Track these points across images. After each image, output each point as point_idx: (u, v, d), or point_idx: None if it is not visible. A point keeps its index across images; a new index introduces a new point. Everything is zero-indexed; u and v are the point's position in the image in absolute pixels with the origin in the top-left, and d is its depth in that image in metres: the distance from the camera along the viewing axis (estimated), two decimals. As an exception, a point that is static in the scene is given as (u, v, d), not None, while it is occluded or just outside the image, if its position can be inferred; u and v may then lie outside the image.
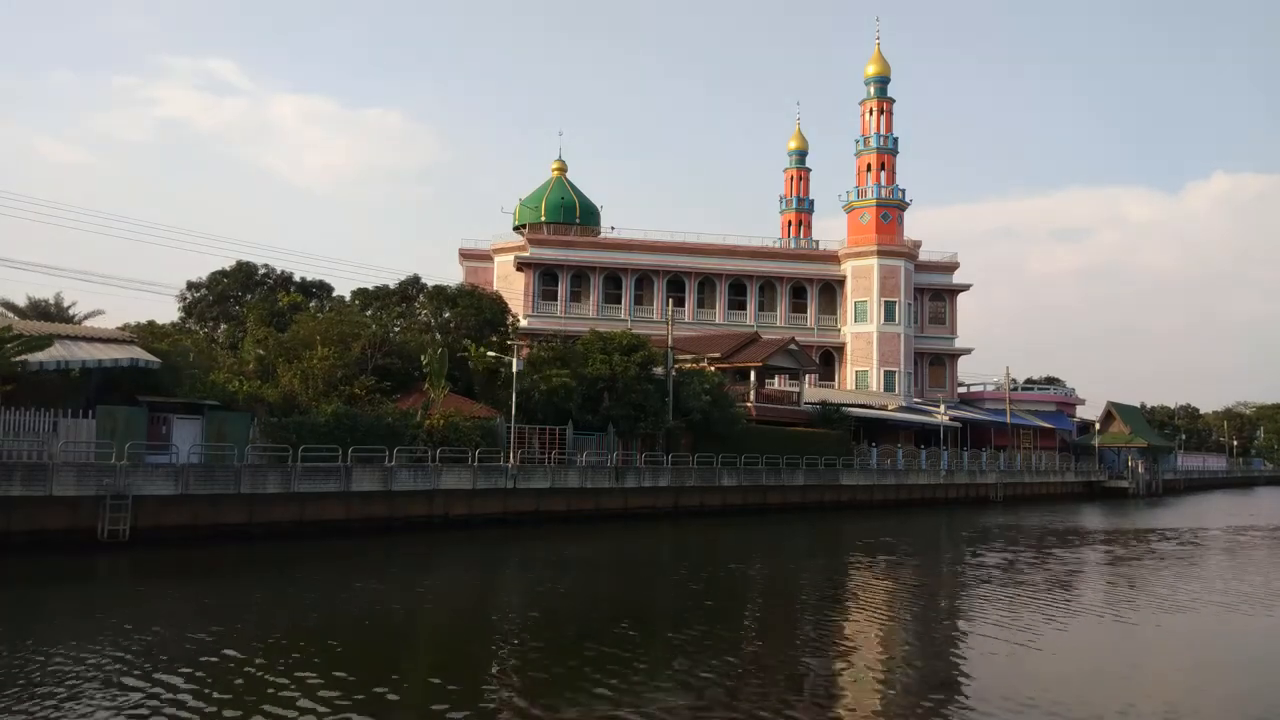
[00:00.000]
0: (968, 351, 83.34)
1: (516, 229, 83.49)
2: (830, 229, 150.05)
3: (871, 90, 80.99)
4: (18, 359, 27.14)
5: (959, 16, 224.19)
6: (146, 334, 40.37)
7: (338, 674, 13.46)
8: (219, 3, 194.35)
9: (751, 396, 56.19)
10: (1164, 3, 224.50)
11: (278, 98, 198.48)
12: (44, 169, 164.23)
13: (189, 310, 53.38)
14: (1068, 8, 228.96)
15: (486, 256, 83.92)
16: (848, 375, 77.26)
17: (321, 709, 11.61)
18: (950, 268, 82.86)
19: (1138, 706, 12.90)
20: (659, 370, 45.92)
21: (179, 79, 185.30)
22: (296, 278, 56.09)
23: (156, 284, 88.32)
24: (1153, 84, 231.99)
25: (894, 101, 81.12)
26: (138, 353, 31.62)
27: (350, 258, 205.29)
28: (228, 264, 54.89)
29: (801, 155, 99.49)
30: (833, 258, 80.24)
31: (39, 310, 42.31)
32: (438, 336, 47.94)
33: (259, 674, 13.42)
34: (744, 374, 57.72)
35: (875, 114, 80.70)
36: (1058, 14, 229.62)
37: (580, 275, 76.32)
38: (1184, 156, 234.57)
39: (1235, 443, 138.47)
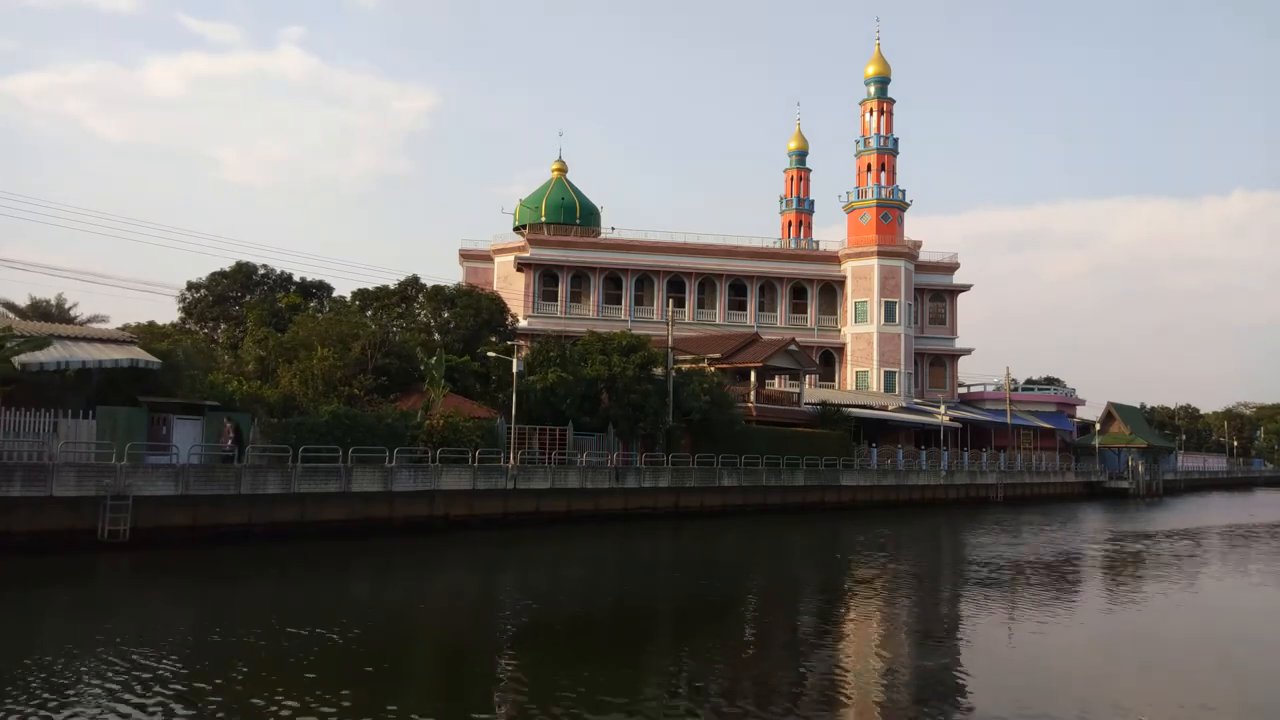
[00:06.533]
0: (968, 352, 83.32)
1: (517, 229, 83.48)
2: (831, 231, 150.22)
3: (871, 90, 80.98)
4: (18, 359, 27.12)
5: (973, 20, 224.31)
6: (146, 334, 40.33)
7: (337, 675, 13.46)
8: None
9: (752, 397, 56.18)
10: (1180, 6, 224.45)
11: (275, 98, 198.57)
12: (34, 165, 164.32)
13: (189, 311, 53.35)
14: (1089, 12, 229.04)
15: (487, 257, 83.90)
16: (848, 376, 77.24)
17: (320, 710, 11.60)
18: (950, 268, 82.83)
19: (1139, 706, 12.89)
20: (659, 371, 45.92)
21: (174, 69, 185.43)
22: (296, 278, 56.10)
23: (156, 284, 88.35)
24: (1162, 94, 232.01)
25: (894, 102, 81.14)
26: (138, 353, 31.60)
27: (349, 258, 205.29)
28: (227, 264, 54.95)
29: (801, 156, 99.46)
30: (833, 258, 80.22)
31: (39, 311, 42.20)
32: (437, 337, 47.96)
33: (258, 674, 13.41)
34: (744, 374, 57.70)
35: (875, 114, 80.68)
36: (1075, 16, 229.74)
37: (580, 276, 76.31)
38: (1195, 168, 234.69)
39: (1235, 443, 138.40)
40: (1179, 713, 12.80)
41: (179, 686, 12.52)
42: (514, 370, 39.08)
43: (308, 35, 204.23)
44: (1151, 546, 36.64)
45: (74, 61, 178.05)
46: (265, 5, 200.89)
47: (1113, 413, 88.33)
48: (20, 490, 24.15)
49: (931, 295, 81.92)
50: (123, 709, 11.43)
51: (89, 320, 42.49)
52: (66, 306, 43.54)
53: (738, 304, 78.38)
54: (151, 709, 11.46)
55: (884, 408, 68.12)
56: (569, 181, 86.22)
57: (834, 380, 77.57)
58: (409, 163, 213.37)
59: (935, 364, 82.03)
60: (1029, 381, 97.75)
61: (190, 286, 53.74)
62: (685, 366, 50.07)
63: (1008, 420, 74.77)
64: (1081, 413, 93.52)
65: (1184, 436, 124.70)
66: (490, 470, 35.16)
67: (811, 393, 67.00)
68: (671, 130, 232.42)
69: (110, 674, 13.07)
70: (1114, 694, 13.56)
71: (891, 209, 79.08)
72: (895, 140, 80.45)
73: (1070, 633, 18.55)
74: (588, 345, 45.58)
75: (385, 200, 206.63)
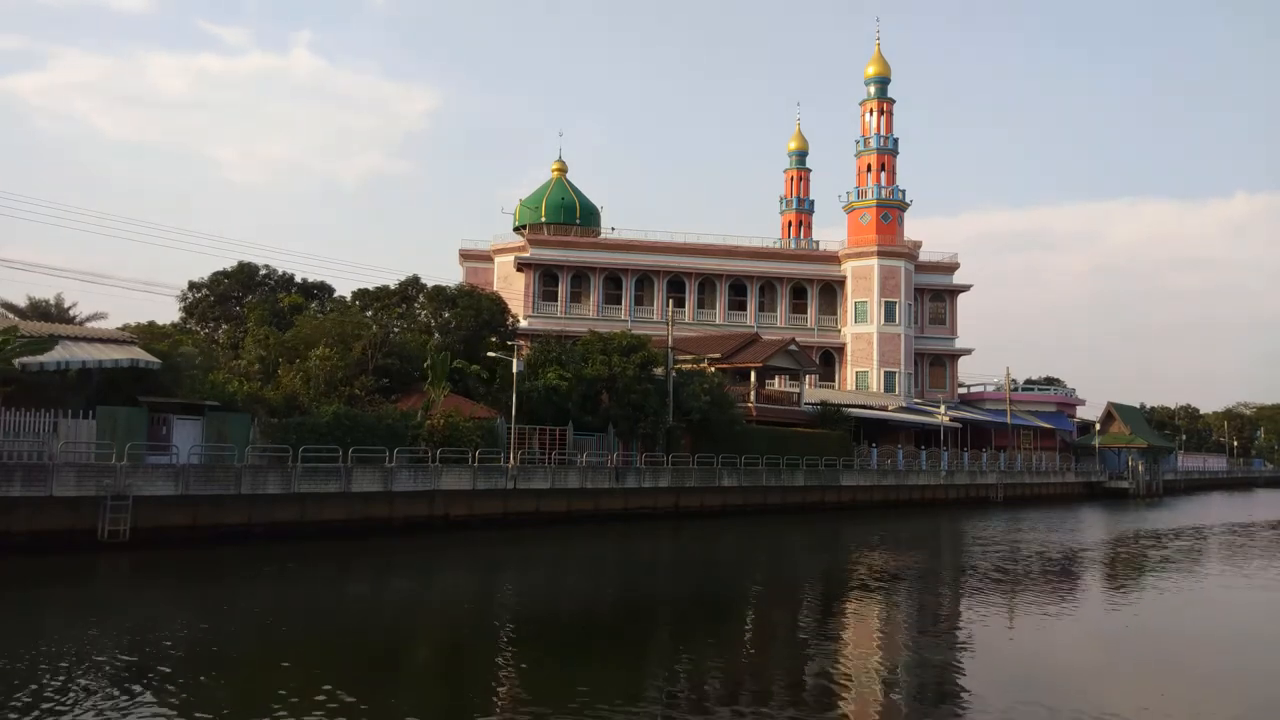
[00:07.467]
0: (968, 352, 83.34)
1: (517, 229, 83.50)
2: (831, 231, 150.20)
3: (871, 90, 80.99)
4: (18, 360, 27.11)
5: (973, 20, 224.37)
6: (146, 334, 40.29)
7: (337, 675, 13.47)
8: None
9: (752, 397, 56.19)
10: (1180, 6, 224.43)
11: (278, 99, 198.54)
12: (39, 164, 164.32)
13: (190, 311, 53.38)
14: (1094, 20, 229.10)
15: (487, 257, 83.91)
16: (848, 376, 77.25)
17: (320, 710, 11.61)
18: (950, 268, 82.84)
19: (1139, 705, 12.90)
20: (659, 371, 45.94)
21: (180, 70, 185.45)
22: (297, 278, 56.13)
23: (157, 284, 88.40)
24: (1162, 94, 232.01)
25: (894, 102, 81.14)
26: (138, 353, 31.59)
27: (350, 258, 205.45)
28: (228, 264, 55.00)
29: (802, 156, 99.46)
30: (833, 258, 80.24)
31: (39, 311, 42.16)
32: (437, 337, 47.95)
33: (258, 675, 13.43)
34: (744, 374, 57.71)
35: (875, 114, 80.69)
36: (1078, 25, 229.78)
37: (580, 276, 76.33)
38: (1196, 170, 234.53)
39: (1235, 443, 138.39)
40: (1179, 711, 12.81)
41: (179, 686, 12.53)
42: (514, 370, 39.10)
43: (315, 36, 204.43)
44: (1152, 546, 36.65)
45: (81, 60, 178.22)
46: (276, 7, 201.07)
47: (1113, 413, 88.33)
48: (20, 490, 24.16)
49: (931, 295, 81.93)
50: (123, 709, 11.43)
51: (89, 320, 42.48)
52: (66, 306, 43.54)
53: (738, 304, 78.38)
54: (151, 709, 11.47)
55: (884, 408, 68.13)
56: (569, 181, 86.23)
57: (834, 380, 77.57)
58: (410, 163, 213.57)
59: (935, 364, 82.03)
60: (1029, 381, 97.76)
61: (192, 286, 53.79)
62: (685, 366, 50.10)
63: (1008, 420, 74.78)
64: (1081, 413, 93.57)
65: (1184, 436, 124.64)
66: (490, 470, 35.17)
67: (811, 393, 67.02)
68: (672, 130, 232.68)
69: (110, 674, 13.08)
70: (1114, 692, 13.56)
71: (891, 209, 79.08)
72: (895, 140, 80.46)
73: (1071, 631, 18.56)
74: (588, 345, 45.60)
75: (386, 200, 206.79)
